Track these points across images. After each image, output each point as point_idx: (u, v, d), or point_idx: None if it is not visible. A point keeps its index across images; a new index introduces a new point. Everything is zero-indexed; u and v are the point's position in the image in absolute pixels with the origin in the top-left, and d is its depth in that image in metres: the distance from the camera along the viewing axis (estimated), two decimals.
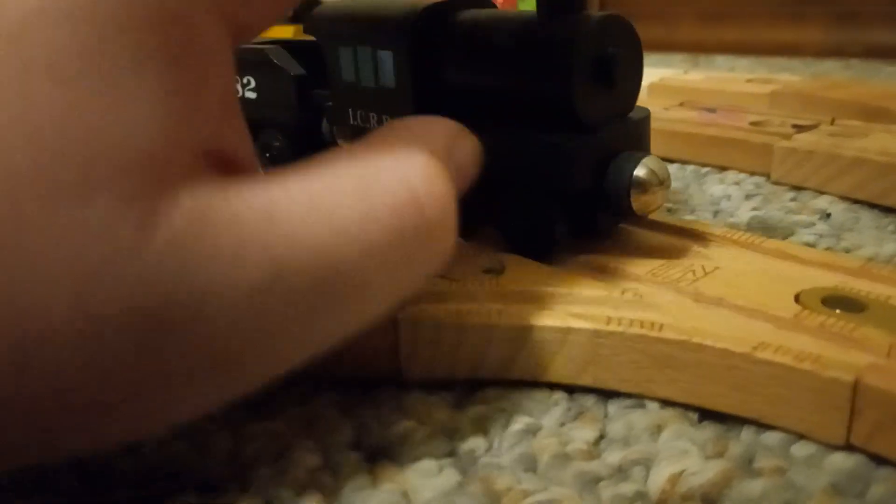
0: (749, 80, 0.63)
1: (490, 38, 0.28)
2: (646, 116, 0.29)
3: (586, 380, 0.23)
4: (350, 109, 0.33)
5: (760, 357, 0.21)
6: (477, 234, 0.29)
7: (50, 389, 0.14)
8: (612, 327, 0.23)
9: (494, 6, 0.32)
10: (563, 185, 0.26)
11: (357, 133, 0.33)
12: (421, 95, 0.30)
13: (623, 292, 0.25)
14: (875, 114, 0.51)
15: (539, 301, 0.25)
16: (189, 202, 0.14)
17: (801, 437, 0.21)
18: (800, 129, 0.46)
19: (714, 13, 1.08)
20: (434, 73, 0.30)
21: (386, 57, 0.30)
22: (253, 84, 0.39)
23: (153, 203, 0.14)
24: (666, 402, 0.23)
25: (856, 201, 0.40)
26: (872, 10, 0.97)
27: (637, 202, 0.26)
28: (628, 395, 0.23)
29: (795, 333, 0.22)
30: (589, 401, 0.23)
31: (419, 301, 0.25)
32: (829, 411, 0.20)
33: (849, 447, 0.20)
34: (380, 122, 0.32)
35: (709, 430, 0.22)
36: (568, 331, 0.23)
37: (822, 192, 0.41)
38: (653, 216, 0.28)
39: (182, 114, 0.15)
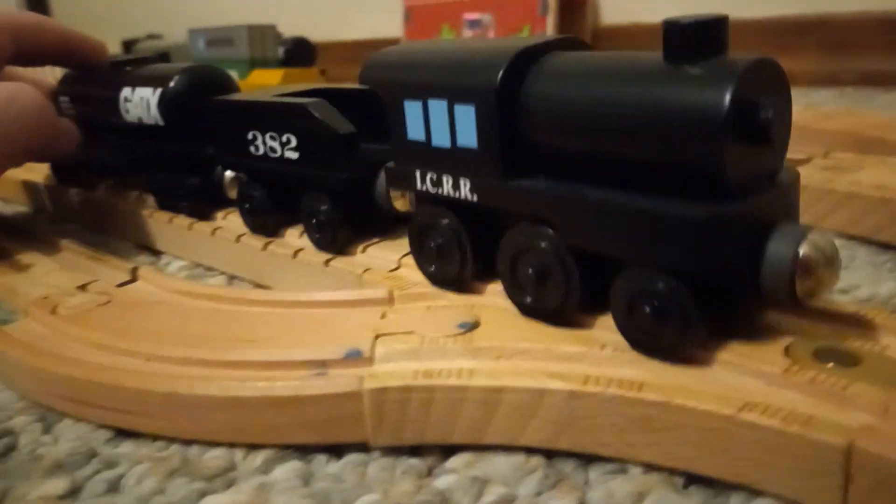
0: None
1: (602, 87, 0.22)
2: (796, 178, 0.23)
3: (565, 443, 0.22)
4: (417, 172, 0.28)
5: (746, 419, 0.19)
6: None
7: None
8: (590, 387, 0.21)
9: (589, 48, 0.26)
10: (705, 266, 0.21)
11: (425, 200, 0.28)
12: (510, 157, 0.25)
13: (603, 347, 0.23)
14: (869, 144, 0.50)
15: (514, 358, 0.23)
16: None
17: (793, 503, 0.20)
18: (794, 163, 0.45)
19: None
20: (527, 131, 0.24)
21: (466, 112, 0.25)
22: (294, 143, 0.33)
23: None
24: (650, 467, 0.21)
25: (852, 237, 0.39)
26: (864, 38, 0.96)
27: (802, 287, 0.21)
28: (610, 460, 0.22)
29: (785, 391, 0.21)
30: (568, 466, 0.22)
31: (386, 359, 0.24)
32: (822, 477, 0.19)
33: None
34: (456, 187, 0.26)
35: (695, 497, 0.20)
36: (543, 392, 0.22)
37: (816, 227, 0.40)
38: None
39: None
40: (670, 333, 0.22)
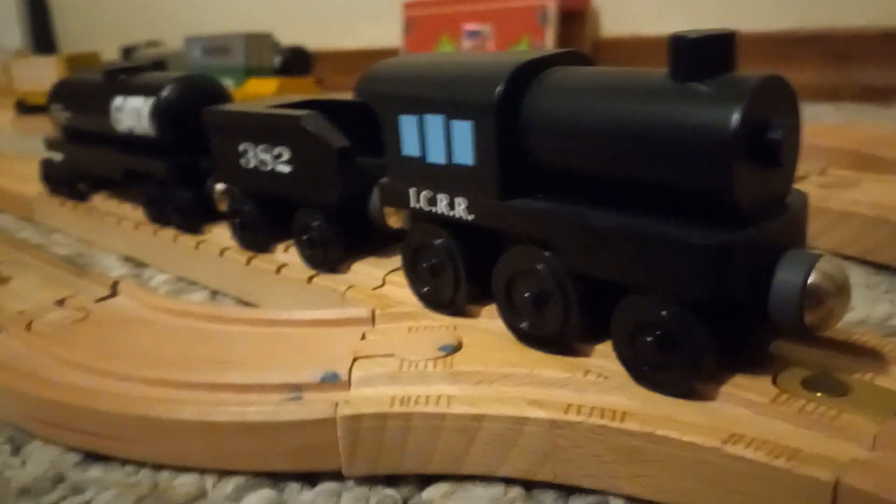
0: None
1: (606, 104, 0.21)
2: (805, 201, 0.22)
3: (545, 474, 0.21)
4: (412, 189, 0.27)
5: (731, 452, 0.19)
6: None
7: None
8: (572, 416, 0.21)
9: (592, 62, 0.25)
10: (712, 294, 0.20)
11: (419, 218, 0.27)
12: (509, 175, 0.24)
13: (586, 373, 0.23)
14: (867, 161, 0.50)
15: (495, 383, 0.23)
16: None
17: None
18: None
19: None
20: (527, 148, 0.23)
21: (463, 129, 0.24)
22: (286, 157, 0.33)
23: None
24: (633, 499, 0.21)
25: (846, 257, 0.38)
26: (865, 51, 0.96)
27: (811, 316, 0.20)
28: (591, 492, 0.21)
29: (773, 421, 0.20)
30: (548, 498, 0.21)
31: (363, 383, 0.23)
32: None
33: None
34: (451, 206, 0.26)
35: None
36: (524, 421, 0.21)
37: (812, 249, 0.39)
38: None
39: None
40: (677, 365, 0.21)
